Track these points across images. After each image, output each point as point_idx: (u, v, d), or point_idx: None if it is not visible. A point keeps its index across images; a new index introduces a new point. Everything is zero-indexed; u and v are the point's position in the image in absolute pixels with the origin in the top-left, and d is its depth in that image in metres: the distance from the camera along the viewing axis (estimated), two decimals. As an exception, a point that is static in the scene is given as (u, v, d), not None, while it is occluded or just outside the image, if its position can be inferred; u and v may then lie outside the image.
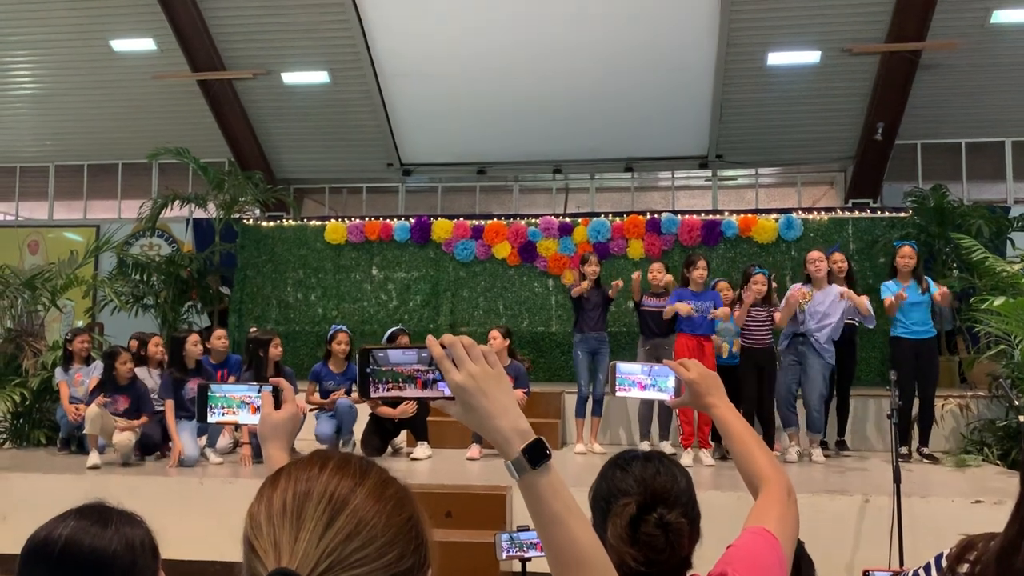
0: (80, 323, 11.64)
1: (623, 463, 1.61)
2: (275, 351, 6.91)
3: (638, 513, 1.49)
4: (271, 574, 0.83)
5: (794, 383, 6.92)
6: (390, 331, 7.27)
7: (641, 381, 1.76)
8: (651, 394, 1.77)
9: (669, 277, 7.36)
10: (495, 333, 7.22)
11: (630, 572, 1.47)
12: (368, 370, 1.18)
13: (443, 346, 1.13)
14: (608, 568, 1.11)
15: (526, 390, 6.94)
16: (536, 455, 1.10)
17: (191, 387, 6.72)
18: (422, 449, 6.91)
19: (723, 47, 11.28)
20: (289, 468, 0.95)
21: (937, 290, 6.90)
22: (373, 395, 1.19)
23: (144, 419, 6.70)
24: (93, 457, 6.35)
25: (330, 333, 7.23)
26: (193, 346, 6.87)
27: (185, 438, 6.54)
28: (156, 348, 7.46)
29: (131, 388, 6.82)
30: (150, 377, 7.25)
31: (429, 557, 0.94)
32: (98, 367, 7.46)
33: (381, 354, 1.19)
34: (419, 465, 6.65)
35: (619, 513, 1.50)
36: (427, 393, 1.17)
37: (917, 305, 6.89)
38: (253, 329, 7.50)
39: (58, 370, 7.56)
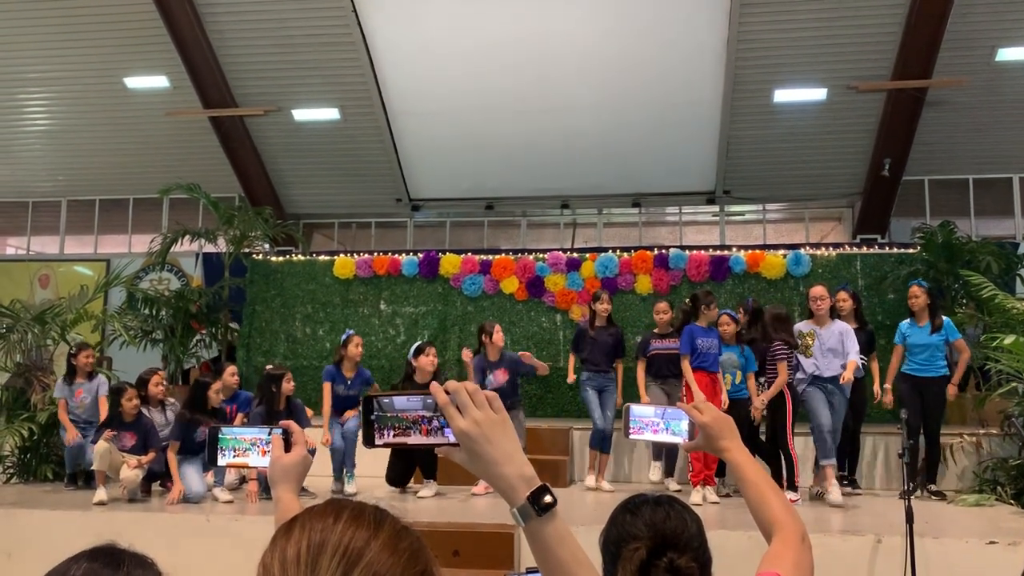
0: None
1: (632, 507, 1.60)
2: (287, 386, 6.93)
3: (648, 558, 1.48)
4: None
5: (828, 412, 6.61)
6: (417, 344, 7.29)
7: (654, 425, 1.76)
8: (664, 437, 1.76)
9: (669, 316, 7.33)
10: (498, 327, 7.26)
11: None
12: (372, 417, 1.18)
13: (447, 392, 1.13)
14: None
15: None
16: (542, 502, 1.09)
17: (203, 430, 6.71)
18: (428, 488, 6.87)
19: (730, 84, 11.38)
20: (303, 517, 0.95)
21: (957, 340, 6.91)
22: (378, 442, 1.19)
23: (152, 455, 6.70)
24: (100, 494, 6.33)
25: (344, 337, 7.30)
26: (215, 394, 6.88)
27: (192, 474, 6.52)
28: (157, 388, 7.40)
29: (137, 424, 6.81)
30: (150, 416, 7.22)
31: None
32: (101, 383, 7.50)
33: (386, 400, 1.18)
34: (426, 503, 6.60)
35: (629, 558, 1.49)
36: (432, 440, 1.17)
37: (927, 347, 6.87)
38: (270, 366, 7.57)
39: (59, 384, 7.48)
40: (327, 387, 7.10)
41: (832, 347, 6.67)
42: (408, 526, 0.97)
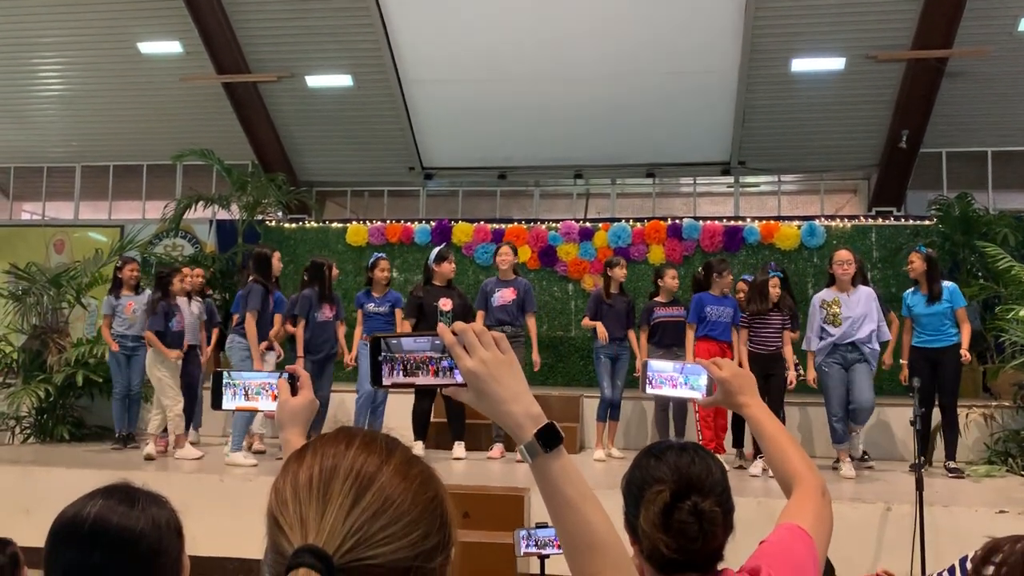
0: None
1: (657, 452, 1.60)
2: (335, 272, 7.47)
3: (672, 501, 1.48)
4: (298, 551, 0.82)
5: (845, 394, 6.45)
6: (439, 250, 7.44)
7: (673, 379, 1.75)
8: (683, 392, 1.75)
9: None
10: (505, 249, 7.35)
11: (663, 559, 1.46)
12: (380, 357, 1.18)
13: (455, 333, 1.13)
14: (622, 552, 1.11)
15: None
16: (549, 439, 1.10)
17: (272, 299, 7.00)
18: (459, 448, 6.97)
19: (747, 53, 11.23)
20: (315, 443, 0.95)
21: (959, 310, 6.73)
22: (385, 382, 1.19)
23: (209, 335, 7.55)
24: (150, 448, 6.76)
25: (371, 261, 7.48)
26: (278, 261, 7.15)
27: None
28: (198, 279, 7.87)
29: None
30: (188, 309, 7.49)
31: (453, 536, 0.94)
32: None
33: (394, 342, 1.18)
34: (438, 465, 6.64)
35: (652, 500, 1.49)
36: (440, 380, 1.17)
37: (931, 316, 6.71)
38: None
39: (106, 299, 7.52)
40: (359, 313, 7.35)
41: (861, 312, 6.45)
42: (418, 456, 0.98)
